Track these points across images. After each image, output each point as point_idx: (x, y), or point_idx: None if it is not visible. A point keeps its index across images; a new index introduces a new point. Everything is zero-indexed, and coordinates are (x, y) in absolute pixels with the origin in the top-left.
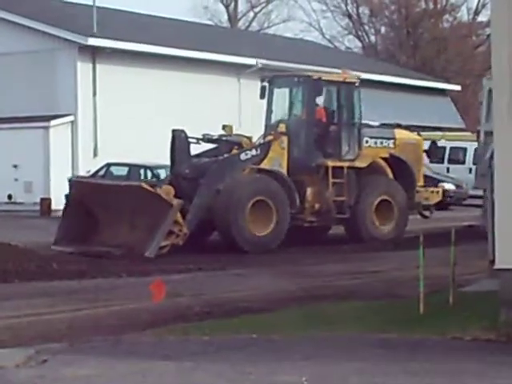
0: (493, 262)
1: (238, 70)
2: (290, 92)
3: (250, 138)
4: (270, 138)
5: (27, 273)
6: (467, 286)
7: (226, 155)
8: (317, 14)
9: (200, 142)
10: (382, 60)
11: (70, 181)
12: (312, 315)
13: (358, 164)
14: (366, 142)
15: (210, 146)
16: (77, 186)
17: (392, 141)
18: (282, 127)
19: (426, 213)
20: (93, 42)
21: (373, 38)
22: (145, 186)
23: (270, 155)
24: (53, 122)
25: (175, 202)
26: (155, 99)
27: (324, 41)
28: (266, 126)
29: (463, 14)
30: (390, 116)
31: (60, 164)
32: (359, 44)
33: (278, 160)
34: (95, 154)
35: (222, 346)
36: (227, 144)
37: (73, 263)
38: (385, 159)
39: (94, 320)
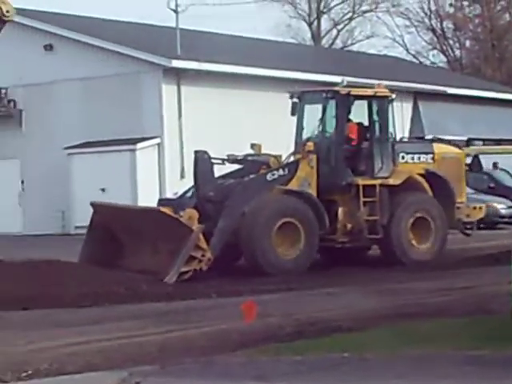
0: None
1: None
2: (320, 108)
3: (277, 157)
4: (298, 156)
5: (117, 296)
6: None
7: (251, 176)
8: (400, 30)
9: (225, 162)
10: (468, 74)
11: (92, 204)
12: (403, 333)
13: (391, 181)
14: (402, 157)
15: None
16: (98, 209)
17: (430, 155)
18: (311, 145)
19: (468, 231)
20: (177, 64)
21: (458, 52)
22: (163, 210)
23: (299, 175)
24: (139, 145)
25: (196, 226)
26: (241, 119)
27: (408, 56)
28: (296, 144)
29: None
30: (477, 130)
31: (147, 187)
32: (444, 58)
33: (306, 180)
34: (182, 176)
35: (314, 366)
36: (254, 164)
37: (162, 285)
38: (422, 175)
39: (185, 342)
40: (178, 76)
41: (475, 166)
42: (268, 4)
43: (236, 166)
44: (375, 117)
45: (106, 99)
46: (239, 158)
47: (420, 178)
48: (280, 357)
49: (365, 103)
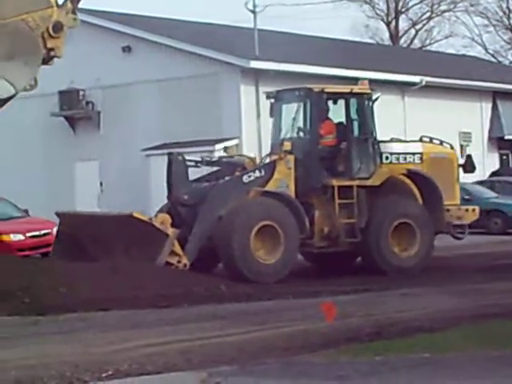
0: None
1: (402, 88)
2: (295, 107)
3: (253, 159)
4: (274, 157)
5: (196, 296)
6: None
7: (226, 178)
8: (479, 29)
9: (199, 165)
10: None
11: (57, 214)
12: (485, 333)
13: (370, 182)
14: (387, 158)
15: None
16: (64, 219)
17: (418, 156)
18: (288, 145)
19: (459, 234)
20: (255, 64)
21: None
22: (136, 215)
23: (276, 176)
24: (217, 146)
25: (171, 231)
26: None
27: (487, 56)
28: (273, 145)
29: None
30: None
31: None
32: None
33: (284, 181)
34: None
35: (395, 366)
36: (229, 166)
37: (240, 286)
38: (409, 176)
39: (264, 342)
40: (257, 76)
41: (468, 166)
42: (345, 4)
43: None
44: (354, 115)
45: (184, 100)
46: (214, 159)
47: (405, 179)
48: (360, 357)
49: (342, 101)
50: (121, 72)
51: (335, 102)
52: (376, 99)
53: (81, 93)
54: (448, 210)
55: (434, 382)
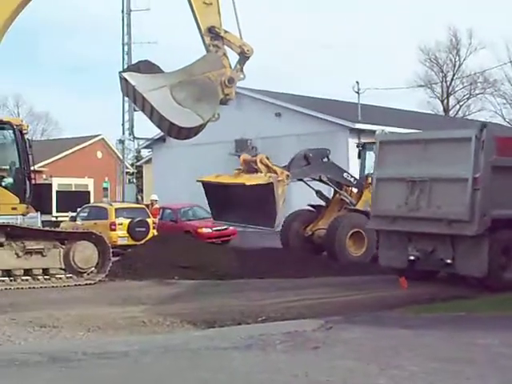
0: None
1: None
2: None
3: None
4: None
5: (315, 271)
6: None
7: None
8: (500, 106)
9: None
10: None
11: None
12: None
13: None
14: None
15: None
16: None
17: None
18: None
19: None
20: (358, 126)
21: None
22: (248, 183)
23: (363, 198)
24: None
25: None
26: None
27: (505, 123)
28: None
29: None
30: None
31: None
32: None
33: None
34: None
35: (442, 320)
36: None
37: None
38: None
39: (359, 302)
40: (359, 134)
41: None
42: (416, 88)
43: None
44: None
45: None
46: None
47: None
48: (420, 314)
49: None
50: (274, 129)
51: None
52: None
53: (249, 142)
54: None
55: (467, 332)
